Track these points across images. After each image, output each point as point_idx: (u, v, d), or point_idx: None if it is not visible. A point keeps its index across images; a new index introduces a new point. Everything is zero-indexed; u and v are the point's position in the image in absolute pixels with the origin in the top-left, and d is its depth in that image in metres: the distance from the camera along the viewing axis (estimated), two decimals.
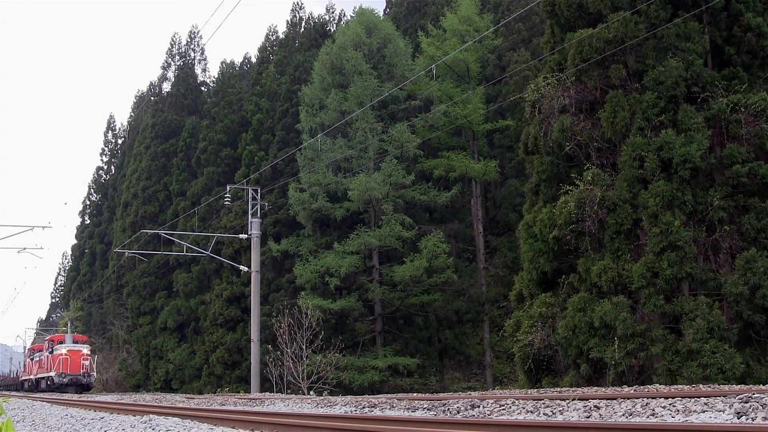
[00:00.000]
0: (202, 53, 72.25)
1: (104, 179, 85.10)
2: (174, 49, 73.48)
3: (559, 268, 21.03)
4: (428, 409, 8.91)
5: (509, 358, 31.79)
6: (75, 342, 42.92)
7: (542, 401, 8.09)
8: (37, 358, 47.11)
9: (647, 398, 7.68)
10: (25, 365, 58.25)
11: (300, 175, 36.39)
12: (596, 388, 14.36)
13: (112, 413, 13.14)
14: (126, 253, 48.17)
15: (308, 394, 25.40)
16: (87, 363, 41.34)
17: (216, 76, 66.50)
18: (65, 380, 39.90)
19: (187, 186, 55.15)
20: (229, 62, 67.71)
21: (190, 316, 49.50)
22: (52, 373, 40.59)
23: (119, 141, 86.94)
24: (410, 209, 36.58)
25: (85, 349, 42.16)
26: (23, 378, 56.14)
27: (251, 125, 49.16)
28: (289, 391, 27.48)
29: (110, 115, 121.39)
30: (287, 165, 42.13)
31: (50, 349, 42.42)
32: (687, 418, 6.01)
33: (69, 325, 68.64)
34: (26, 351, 56.70)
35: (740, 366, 16.73)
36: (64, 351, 40.79)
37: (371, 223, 35.13)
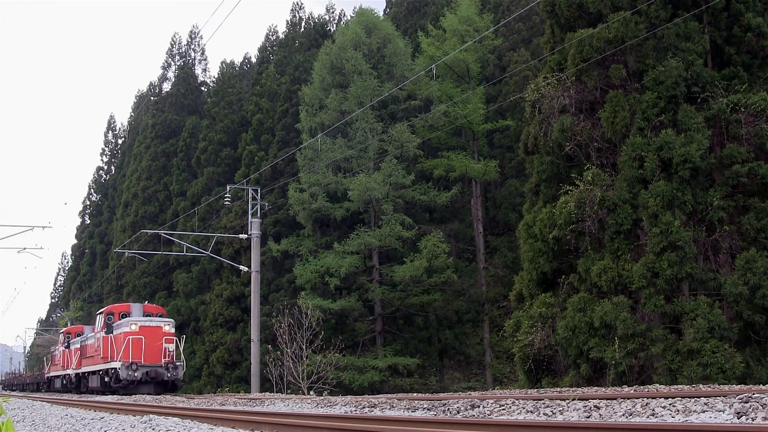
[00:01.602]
0: (203, 53, 72.38)
1: (104, 179, 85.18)
2: (174, 49, 73.57)
3: (559, 268, 21.03)
4: (428, 409, 8.91)
5: (509, 358, 31.79)
6: (148, 315, 28.22)
7: (542, 401, 8.09)
8: (79, 344, 33.21)
9: (647, 398, 7.69)
10: (53, 357, 43.77)
11: (300, 175, 36.39)
12: (596, 388, 14.35)
13: (112, 413, 13.14)
14: (126, 253, 48.09)
15: (308, 394, 25.40)
16: (172, 348, 26.51)
17: (216, 76, 66.58)
18: (138, 374, 25.56)
19: (187, 186, 55.17)
20: (229, 62, 67.75)
21: (190, 316, 49.51)
22: (116, 364, 25.83)
23: (119, 141, 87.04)
24: (410, 209, 36.58)
25: (167, 326, 27.10)
26: (52, 374, 42.71)
27: (251, 125, 49.19)
28: (289, 391, 27.48)
29: (110, 115, 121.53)
30: (287, 165, 42.14)
31: (108, 327, 27.65)
32: (687, 418, 6.01)
33: (69, 325, 68.67)
34: (60, 337, 40.55)
35: (740, 366, 16.74)
36: (134, 328, 26.21)
37: (371, 223, 35.13)
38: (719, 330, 17.24)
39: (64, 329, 41.15)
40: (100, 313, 29.83)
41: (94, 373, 29.82)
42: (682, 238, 17.83)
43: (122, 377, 25.44)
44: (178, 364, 26.39)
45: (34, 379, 58.34)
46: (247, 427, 8.39)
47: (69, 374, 35.64)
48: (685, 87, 19.33)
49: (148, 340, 25.99)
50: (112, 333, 27.20)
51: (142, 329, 26.17)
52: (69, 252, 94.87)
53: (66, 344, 37.41)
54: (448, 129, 37.88)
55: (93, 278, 73.68)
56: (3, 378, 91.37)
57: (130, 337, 25.76)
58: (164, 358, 26.13)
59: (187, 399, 19.98)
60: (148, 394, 24.87)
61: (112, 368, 26.47)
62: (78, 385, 33.82)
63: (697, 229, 18.64)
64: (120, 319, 27.70)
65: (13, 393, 51.61)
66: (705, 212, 18.64)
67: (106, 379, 27.46)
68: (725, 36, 20.40)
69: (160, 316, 28.53)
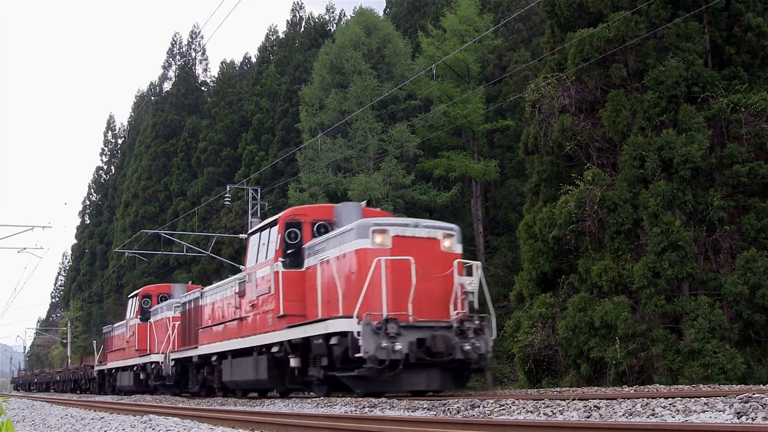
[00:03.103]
0: (203, 53, 72.41)
1: (104, 179, 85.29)
2: (175, 48, 73.64)
3: (559, 268, 21.03)
4: (428, 409, 8.91)
5: (509, 358, 31.78)
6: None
7: (542, 401, 8.09)
8: (176, 310, 20.98)
9: (647, 398, 7.68)
10: (110, 341, 29.81)
11: (300, 175, 36.41)
12: (596, 388, 14.35)
13: (112, 413, 13.14)
14: (126, 253, 48.10)
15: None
16: (471, 285, 12.40)
17: (216, 75, 66.62)
18: (402, 346, 11.19)
19: (187, 186, 55.22)
20: (229, 62, 67.84)
21: None
22: (345, 323, 11.53)
23: (119, 141, 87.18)
24: (410, 209, 36.57)
25: (448, 240, 12.42)
26: (112, 365, 28.74)
27: (251, 125, 49.23)
28: None
29: (110, 115, 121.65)
30: (287, 165, 42.16)
31: (291, 252, 13.75)
32: (687, 418, 6.01)
33: (69, 325, 68.55)
34: (130, 305, 26.74)
35: (741, 366, 16.74)
36: (381, 242, 11.86)
37: None
38: (720, 330, 17.24)
39: (138, 291, 26.52)
40: (257, 232, 15.02)
41: (246, 352, 14.96)
42: (682, 238, 17.83)
43: (368, 353, 11.08)
44: (481, 323, 12.09)
45: (70, 375, 41.40)
46: (247, 427, 8.39)
47: (157, 362, 21.98)
48: (685, 87, 19.34)
49: (418, 269, 11.77)
50: (307, 264, 13.49)
51: (399, 243, 11.99)
52: (69, 252, 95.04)
53: (141, 315, 24.64)
54: (448, 129, 37.87)
55: (93, 278, 73.71)
56: (17, 375, 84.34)
57: (381, 260, 11.55)
58: (455, 308, 12.12)
59: (187, 399, 19.98)
60: (426, 389, 12.09)
61: (328, 335, 12.01)
62: (182, 380, 20.21)
63: (697, 229, 18.64)
64: (319, 234, 13.73)
65: (31, 395, 41.74)
66: (705, 212, 18.65)
67: (294, 363, 13.10)
68: (725, 36, 20.41)
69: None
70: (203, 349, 18.07)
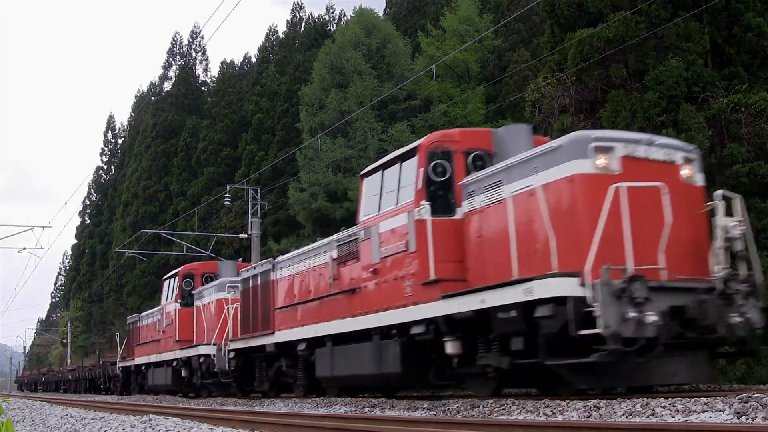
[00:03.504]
0: (204, 53, 72.45)
1: (104, 179, 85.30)
2: (175, 48, 73.73)
3: None
4: (428, 409, 8.92)
5: None
6: None
7: (542, 401, 8.10)
8: (248, 284, 16.29)
9: (647, 398, 7.68)
10: (136, 332, 26.60)
11: (300, 175, 36.43)
12: None
13: (112, 413, 13.15)
14: (126, 253, 48.07)
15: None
16: (737, 230, 8.91)
17: (216, 75, 66.66)
18: (655, 316, 7.53)
19: (187, 186, 55.23)
20: (229, 62, 67.85)
21: None
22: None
23: (119, 141, 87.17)
24: None
25: (687, 166, 9.11)
26: (141, 361, 25.07)
27: (251, 125, 49.24)
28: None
29: (110, 115, 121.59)
30: (287, 165, 42.16)
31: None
32: (687, 418, 6.01)
33: (69, 325, 68.55)
34: (167, 287, 23.18)
35: (741, 366, 16.73)
36: (610, 156, 8.42)
37: None
38: None
39: (177, 271, 22.89)
40: (378, 170, 11.35)
41: (360, 336, 11.43)
42: None
43: (609, 327, 7.48)
44: (741, 286, 8.33)
45: (86, 374, 37.87)
46: (247, 427, 8.39)
47: (207, 355, 18.37)
48: (685, 87, 19.35)
49: (674, 204, 8.35)
50: (466, 209, 9.96)
51: (630, 168, 8.45)
52: (69, 252, 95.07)
53: (182, 299, 21.43)
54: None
55: (93, 278, 73.72)
56: (21, 374, 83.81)
57: (622, 187, 8.07)
58: (717, 262, 8.54)
59: (187, 399, 19.97)
60: (690, 383, 9.25)
61: (531, 304, 8.19)
62: (243, 376, 16.64)
63: None
64: (476, 168, 10.36)
65: (33, 395, 39.87)
66: None
67: (453, 349, 9.52)
68: (725, 36, 20.42)
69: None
70: (284, 335, 13.87)
